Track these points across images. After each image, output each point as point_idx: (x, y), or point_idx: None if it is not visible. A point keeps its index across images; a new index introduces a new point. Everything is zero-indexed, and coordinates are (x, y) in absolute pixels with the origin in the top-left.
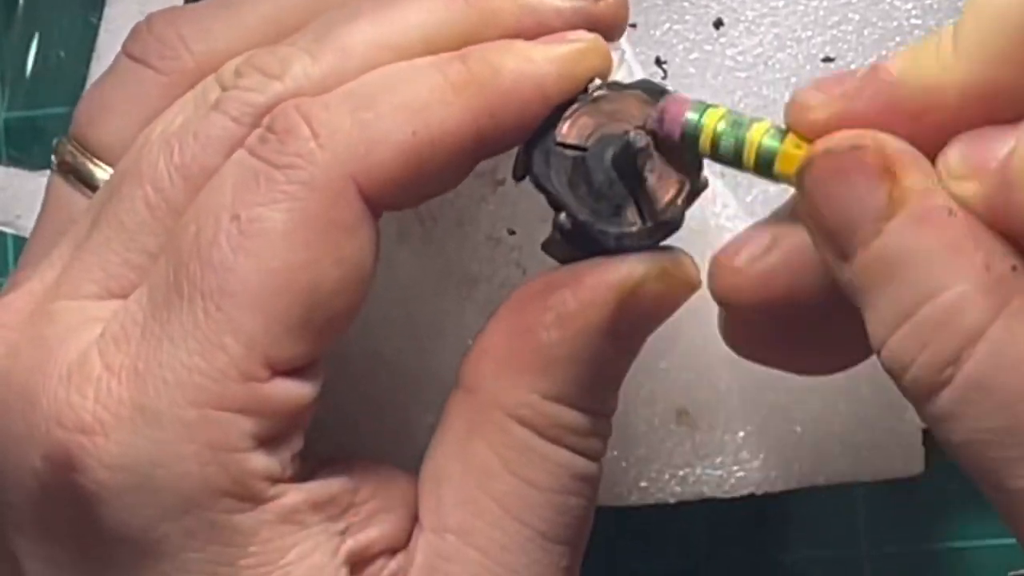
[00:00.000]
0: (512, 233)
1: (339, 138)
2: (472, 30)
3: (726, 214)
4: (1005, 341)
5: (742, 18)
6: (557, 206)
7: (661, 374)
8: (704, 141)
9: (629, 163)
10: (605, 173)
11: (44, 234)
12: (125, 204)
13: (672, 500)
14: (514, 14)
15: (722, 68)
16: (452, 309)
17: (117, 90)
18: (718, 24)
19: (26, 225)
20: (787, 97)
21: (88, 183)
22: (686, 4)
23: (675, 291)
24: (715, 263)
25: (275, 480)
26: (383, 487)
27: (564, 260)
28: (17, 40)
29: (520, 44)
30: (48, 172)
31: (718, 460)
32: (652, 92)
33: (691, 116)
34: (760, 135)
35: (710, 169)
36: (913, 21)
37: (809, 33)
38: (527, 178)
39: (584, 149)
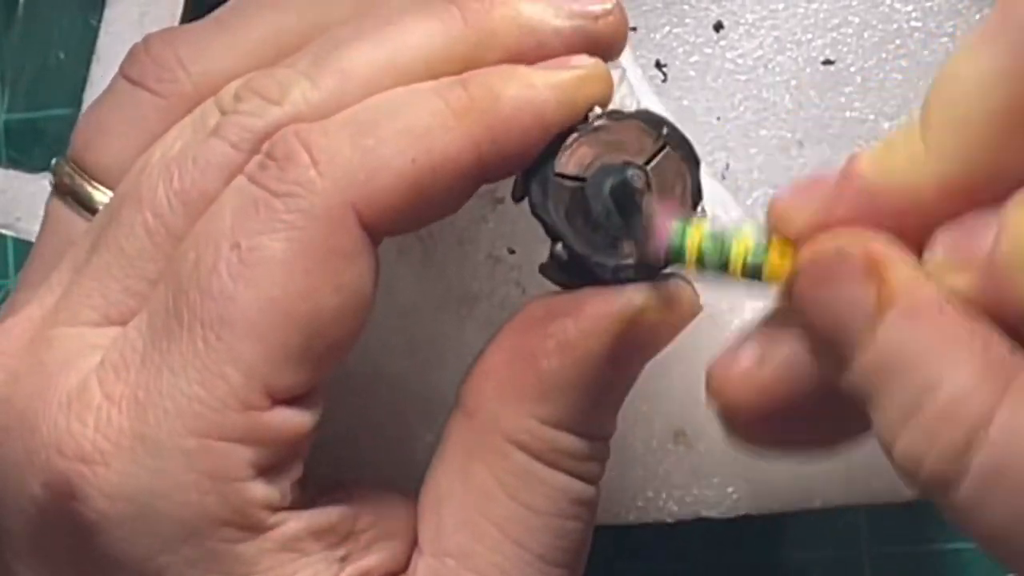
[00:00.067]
0: (512, 252)
1: (339, 165)
2: (472, 52)
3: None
4: (1014, 424)
5: (742, 21)
6: (554, 236)
7: (659, 395)
8: (689, 260)
9: (627, 197)
10: (603, 205)
11: (43, 255)
12: (124, 230)
13: (670, 520)
14: (513, 35)
15: (722, 71)
16: (452, 328)
17: (115, 113)
18: (718, 27)
19: (26, 227)
20: (787, 100)
21: (87, 206)
22: (686, 7)
23: (674, 320)
24: (710, 377)
25: (275, 508)
26: (383, 513)
27: (562, 285)
28: (17, 41)
29: (521, 70)
30: (48, 174)
31: (715, 480)
32: (651, 122)
33: (674, 238)
34: (743, 250)
35: (709, 170)
36: (913, 24)
37: (809, 36)
38: (526, 199)
39: (583, 180)
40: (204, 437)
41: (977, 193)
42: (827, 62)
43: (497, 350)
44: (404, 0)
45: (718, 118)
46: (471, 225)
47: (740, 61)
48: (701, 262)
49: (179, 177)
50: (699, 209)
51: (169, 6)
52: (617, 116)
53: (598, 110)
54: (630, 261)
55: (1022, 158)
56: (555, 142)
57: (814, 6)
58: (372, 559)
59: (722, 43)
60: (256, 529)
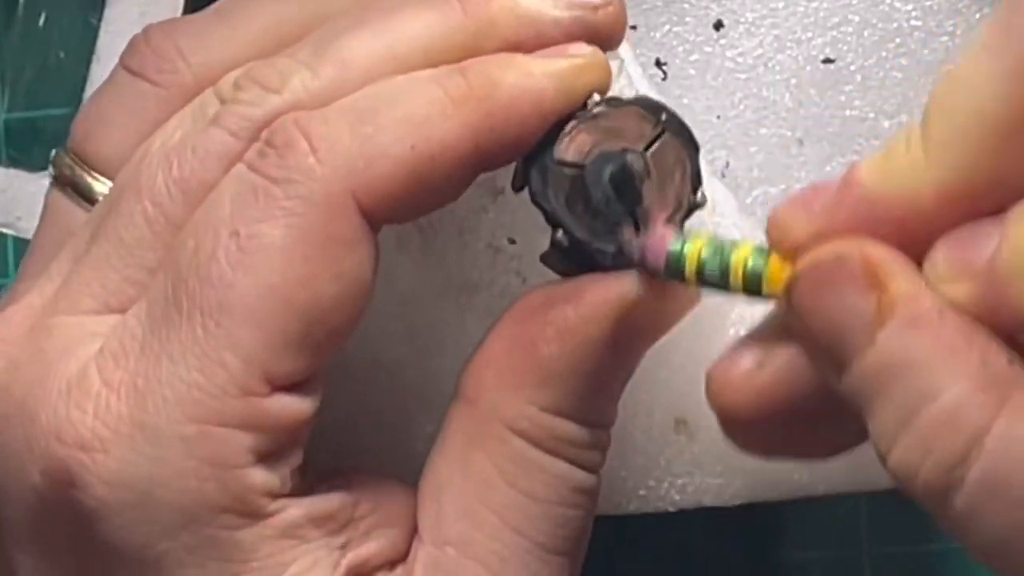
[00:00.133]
0: (512, 242)
1: (338, 152)
2: (471, 41)
3: (725, 223)
4: (1010, 437)
5: (742, 20)
6: (554, 223)
7: (659, 384)
8: (689, 271)
9: (626, 183)
10: (603, 191)
11: (43, 246)
12: (124, 219)
13: (671, 509)
14: (512, 25)
15: (722, 70)
16: (452, 318)
17: (115, 103)
18: (718, 26)
19: (26, 227)
20: (787, 99)
21: (87, 196)
22: (686, 6)
23: (674, 306)
24: (710, 379)
25: (275, 495)
26: (383, 501)
27: (563, 273)
28: (17, 41)
29: (520, 58)
30: (48, 173)
31: (717, 469)
32: (651, 108)
33: (673, 248)
34: (743, 259)
35: (709, 168)
36: (913, 23)
37: (809, 35)
38: (526, 189)
39: (582, 167)
40: (203, 424)
41: (978, 202)
42: (827, 60)
43: (497, 338)
44: None
45: (718, 116)
46: (471, 215)
47: (740, 59)
48: (701, 274)
49: (178, 166)
50: (699, 194)
51: (169, 5)
52: (616, 103)
53: (597, 97)
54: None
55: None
56: (554, 129)
57: (814, 5)
58: (372, 546)
59: (722, 41)
60: (256, 516)
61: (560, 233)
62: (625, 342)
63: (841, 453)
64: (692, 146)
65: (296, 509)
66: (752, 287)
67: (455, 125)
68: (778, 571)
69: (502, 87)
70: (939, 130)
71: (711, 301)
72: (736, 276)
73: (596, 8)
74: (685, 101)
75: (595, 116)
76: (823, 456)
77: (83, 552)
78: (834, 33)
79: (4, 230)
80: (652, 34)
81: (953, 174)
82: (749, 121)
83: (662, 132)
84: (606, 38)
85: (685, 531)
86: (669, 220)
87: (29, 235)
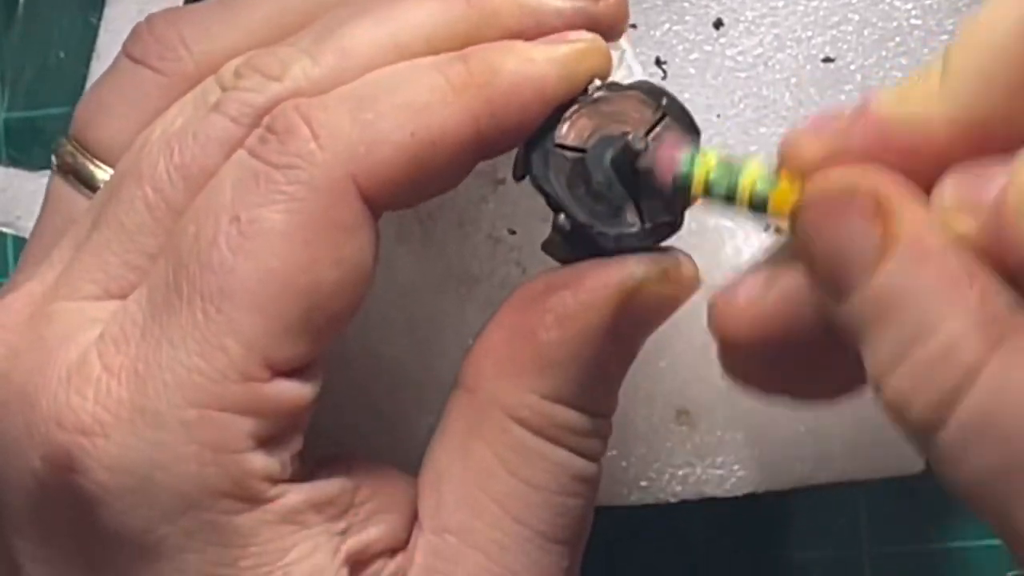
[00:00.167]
0: (512, 233)
1: (339, 138)
2: (473, 30)
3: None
4: (1002, 377)
5: (742, 18)
6: (556, 207)
7: (661, 373)
8: (696, 188)
9: (628, 165)
10: (604, 174)
11: (44, 234)
12: (125, 205)
13: (673, 499)
14: (514, 14)
15: (722, 68)
16: (452, 309)
17: (117, 91)
18: (718, 24)
19: (26, 226)
20: (787, 98)
21: (88, 184)
22: (686, 5)
23: (675, 292)
24: (713, 304)
25: (275, 480)
26: (383, 487)
27: (564, 260)
28: (17, 40)
29: (521, 45)
30: (48, 172)
31: (719, 459)
32: (651, 93)
33: (682, 165)
34: (752, 180)
35: None
36: (913, 21)
37: (809, 33)
38: (527, 178)
39: (583, 151)
40: (204, 408)
41: (989, 138)
42: (827, 60)
43: (496, 327)
44: None
45: (718, 115)
46: (471, 206)
47: (740, 58)
48: (708, 190)
49: (179, 152)
50: None
51: (169, 5)
52: (617, 88)
53: (598, 82)
54: (632, 230)
55: None
56: (555, 115)
57: (814, 4)
58: (372, 532)
59: (722, 40)
60: (256, 501)
61: (562, 218)
62: (625, 328)
63: (837, 397)
64: (693, 131)
65: (296, 494)
66: (758, 208)
67: (455, 111)
68: (778, 570)
69: (502, 73)
70: (958, 63)
71: (712, 289)
72: (743, 197)
73: None
74: (685, 99)
75: (596, 101)
76: (819, 398)
77: (83, 537)
78: (834, 32)
79: (4, 229)
80: (652, 32)
81: (967, 107)
82: (749, 120)
83: (663, 116)
84: (607, 29)
85: (687, 523)
86: (671, 202)
87: (28, 234)
